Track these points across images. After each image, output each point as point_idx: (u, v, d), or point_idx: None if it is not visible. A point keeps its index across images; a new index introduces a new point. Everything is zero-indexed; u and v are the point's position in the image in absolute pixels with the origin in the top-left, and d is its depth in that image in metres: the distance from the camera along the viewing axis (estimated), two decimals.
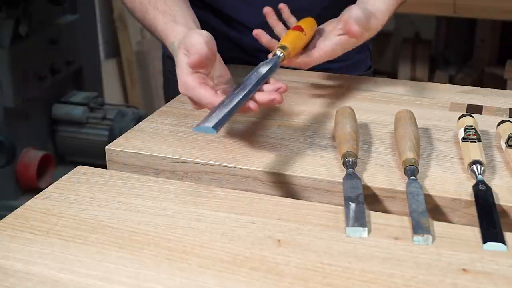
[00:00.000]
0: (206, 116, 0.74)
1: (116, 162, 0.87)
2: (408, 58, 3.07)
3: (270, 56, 0.92)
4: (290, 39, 0.94)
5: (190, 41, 0.83)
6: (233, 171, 0.82)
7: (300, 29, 0.96)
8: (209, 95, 0.79)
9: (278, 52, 0.91)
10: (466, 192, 0.75)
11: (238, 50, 1.17)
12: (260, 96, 0.79)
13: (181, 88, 0.82)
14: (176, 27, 0.91)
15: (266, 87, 0.81)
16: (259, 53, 1.17)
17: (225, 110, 0.75)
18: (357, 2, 1.00)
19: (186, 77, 0.81)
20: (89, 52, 2.62)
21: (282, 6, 1.05)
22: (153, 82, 3.04)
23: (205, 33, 0.84)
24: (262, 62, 0.88)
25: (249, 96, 0.79)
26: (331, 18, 1.01)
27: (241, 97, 0.78)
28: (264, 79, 0.83)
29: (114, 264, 0.63)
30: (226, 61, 1.18)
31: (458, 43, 3.19)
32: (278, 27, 1.02)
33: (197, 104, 0.82)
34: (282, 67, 1.13)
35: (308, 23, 0.99)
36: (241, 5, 1.13)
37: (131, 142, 0.89)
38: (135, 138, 0.90)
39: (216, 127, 0.72)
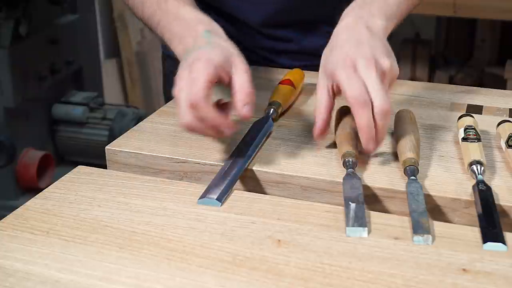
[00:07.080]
0: (208, 187, 0.75)
1: (116, 162, 0.87)
2: (408, 58, 3.07)
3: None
4: (281, 94, 0.96)
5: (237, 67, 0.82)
6: None
7: (289, 83, 0.98)
8: (219, 116, 0.76)
9: (271, 110, 0.92)
10: (466, 192, 0.74)
11: (240, 47, 1.17)
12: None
13: (184, 87, 0.75)
14: (200, 16, 0.87)
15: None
16: (260, 50, 1.17)
17: (226, 181, 0.76)
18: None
19: (203, 83, 0.75)
20: (89, 52, 2.62)
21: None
22: (153, 82, 3.04)
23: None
24: (255, 122, 0.89)
25: (248, 162, 0.81)
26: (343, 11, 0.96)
27: (239, 166, 0.79)
28: (261, 141, 0.85)
29: (114, 264, 0.63)
30: None
31: (458, 43, 3.18)
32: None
33: (189, 115, 0.75)
34: (283, 67, 1.14)
35: (297, 75, 1.02)
36: (243, 5, 1.13)
37: (131, 142, 0.89)
38: (135, 138, 0.90)
39: (220, 199, 0.73)
